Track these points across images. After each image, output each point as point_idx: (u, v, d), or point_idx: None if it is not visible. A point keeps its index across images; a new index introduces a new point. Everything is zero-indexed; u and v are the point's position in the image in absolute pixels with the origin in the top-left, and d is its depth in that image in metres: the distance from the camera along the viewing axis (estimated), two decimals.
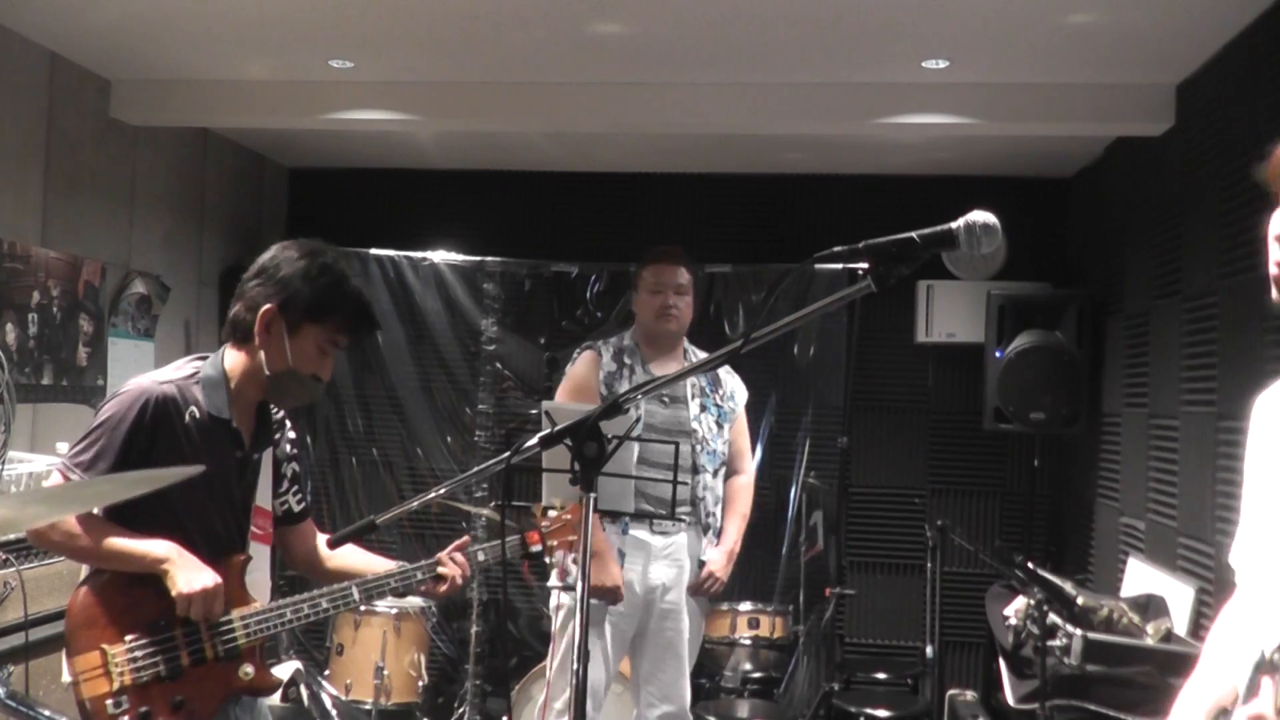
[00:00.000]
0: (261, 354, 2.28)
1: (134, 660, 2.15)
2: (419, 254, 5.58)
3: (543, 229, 5.75)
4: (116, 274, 4.62)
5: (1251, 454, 1.58)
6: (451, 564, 2.46)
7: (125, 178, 4.76)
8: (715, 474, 3.56)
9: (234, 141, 5.56)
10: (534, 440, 1.77)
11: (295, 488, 2.54)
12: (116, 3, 3.77)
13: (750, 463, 3.81)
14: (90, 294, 4.42)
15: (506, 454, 1.82)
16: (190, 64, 4.40)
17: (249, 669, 2.24)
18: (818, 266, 5.01)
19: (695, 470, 3.48)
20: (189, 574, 2.15)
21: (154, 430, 2.18)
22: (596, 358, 3.52)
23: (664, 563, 3.49)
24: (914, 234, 1.53)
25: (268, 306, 2.25)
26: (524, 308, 5.59)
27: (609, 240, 5.64)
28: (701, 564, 3.54)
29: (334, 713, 4.04)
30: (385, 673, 4.40)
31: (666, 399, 3.50)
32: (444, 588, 2.45)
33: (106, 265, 4.53)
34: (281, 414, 2.51)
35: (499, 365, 5.56)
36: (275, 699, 3.82)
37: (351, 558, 2.54)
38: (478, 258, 5.57)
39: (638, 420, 3.45)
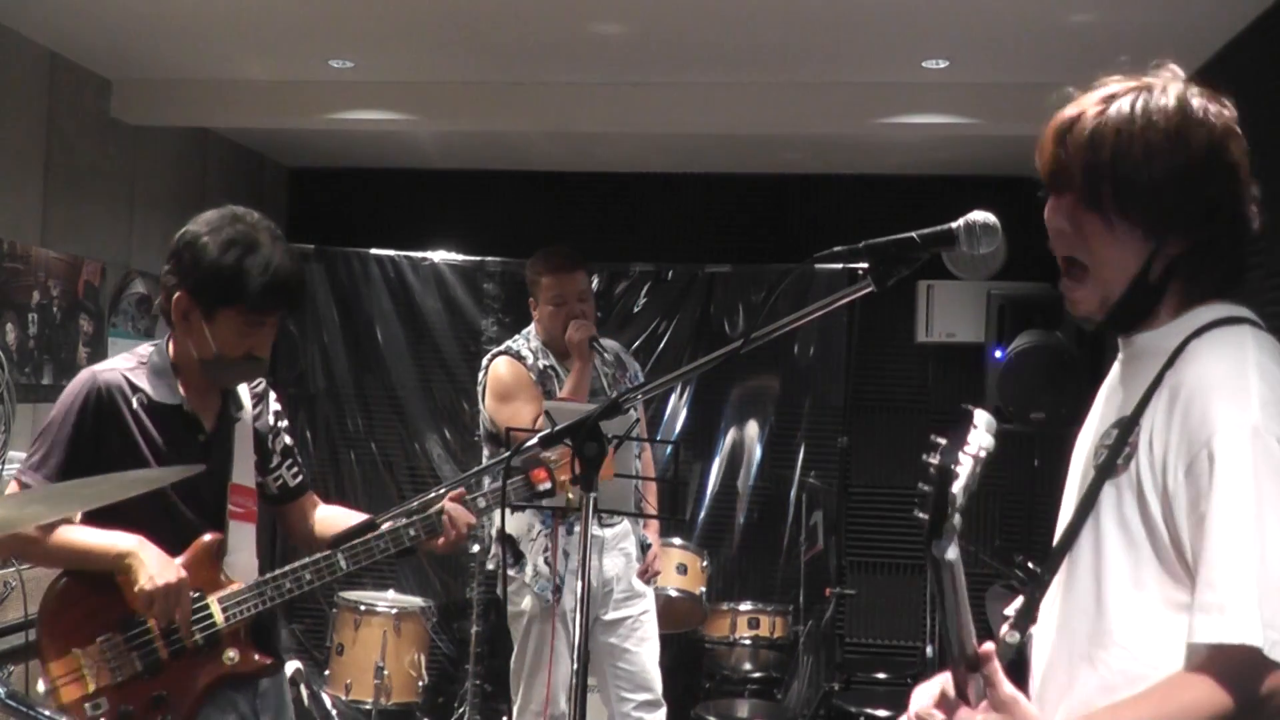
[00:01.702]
0: (189, 343, 2.16)
1: (107, 660, 2.08)
2: (419, 254, 5.58)
3: (543, 229, 5.74)
4: (116, 274, 4.62)
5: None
6: (450, 512, 2.28)
7: (125, 178, 4.76)
8: (639, 457, 3.60)
9: (234, 141, 5.55)
10: (534, 440, 1.77)
11: (289, 461, 2.41)
12: (116, 3, 3.76)
13: (645, 433, 3.88)
14: (90, 294, 4.42)
15: (507, 454, 1.83)
16: (190, 64, 4.40)
17: (233, 653, 2.16)
18: (818, 266, 5.01)
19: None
20: (151, 570, 2.03)
21: (98, 421, 2.11)
22: (518, 359, 3.49)
23: (615, 553, 3.53)
24: (914, 234, 1.53)
25: (178, 295, 2.12)
26: (524, 308, 5.56)
27: (609, 240, 5.64)
28: (645, 548, 3.60)
29: (334, 713, 4.03)
30: (385, 673, 4.40)
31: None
32: (441, 541, 2.29)
33: (106, 265, 4.53)
34: (262, 385, 2.38)
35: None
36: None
37: (346, 522, 2.38)
38: (478, 258, 5.57)
39: (636, 421, 3.46)
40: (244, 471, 2.28)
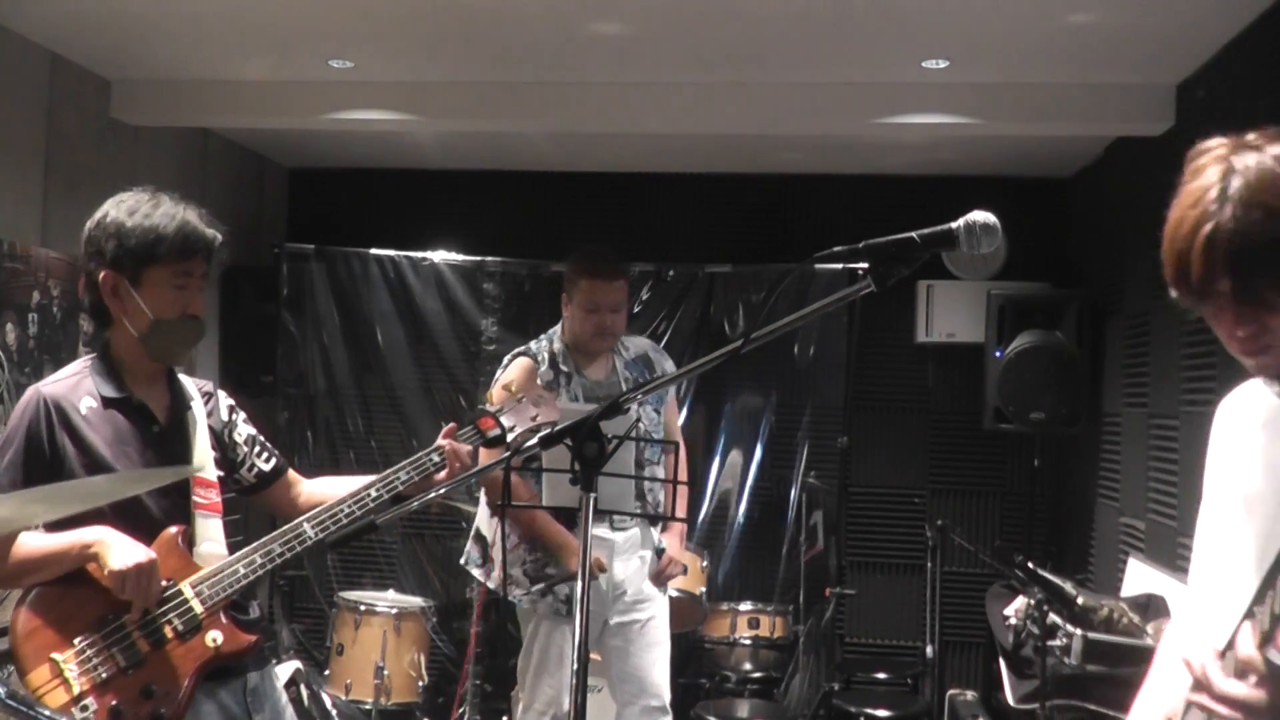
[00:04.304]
0: (125, 322, 2.20)
1: (87, 661, 2.05)
2: (419, 254, 5.59)
3: (543, 229, 5.75)
4: None
5: (1212, 462, 1.56)
6: (448, 447, 2.39)
7: (125, 178, 4.72)
8: (659, 463, 3.57)
9: (234, 141, 5.55)
10: (534, 440, 1.77)
11: (258, 449, 2.42)
12: (116, 3, 3.76)
13: (678, 432, 3.77)
14: None
15: (507, 454, 1.83)
16: (190, 64, 4.40)
17: (216, 635, 2.14)
18: (818, 266, 5.02)
19: (640, 465, 3.47)
20: (121, 552, 2.04)
21: (49, 431, 2.13)
22: (533, 365, 3.44)
23: (626, 557, 3.51)
24: (914, 234, 1.53)
25: (103, 275, 2.18)
26: (524, 308, 5.59)
27: (609, 240, 5.60)
28: (659, 552, 3.57)
29: (334, 713, 4.03)
30: (385, 673, 4.40)
31: (604, 398, 3.45)
32: (444, 474, 2.44)
33: None
34: (209, 386, 2.40)
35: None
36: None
37: (329, 489, 2.42)
38: (478, 258, 5.57)
39: (637, 420, 3.45)
40: (204, 463, 2.27)
